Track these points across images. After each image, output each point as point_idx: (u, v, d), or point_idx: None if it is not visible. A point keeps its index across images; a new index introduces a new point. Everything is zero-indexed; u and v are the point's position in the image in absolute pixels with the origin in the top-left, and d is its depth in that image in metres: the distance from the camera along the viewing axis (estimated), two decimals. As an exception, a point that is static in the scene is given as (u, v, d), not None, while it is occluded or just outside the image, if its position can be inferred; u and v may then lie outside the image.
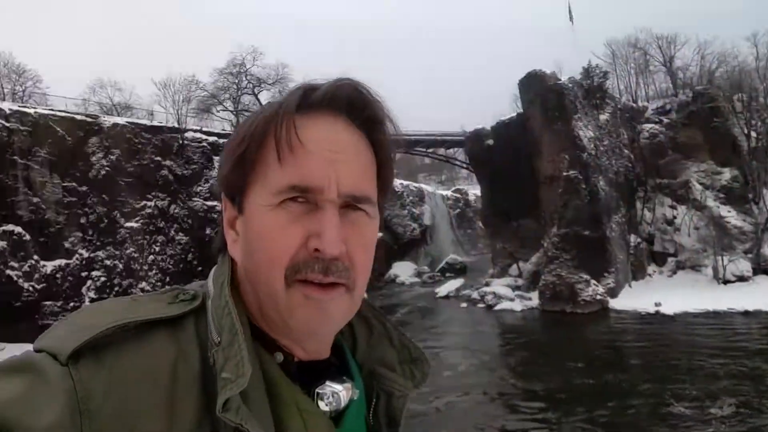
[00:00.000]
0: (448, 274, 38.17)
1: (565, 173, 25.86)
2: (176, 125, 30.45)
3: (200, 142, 30.01)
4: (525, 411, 13.26)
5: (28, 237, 21.34)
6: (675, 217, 28.19)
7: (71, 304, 21.58)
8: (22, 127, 22.16)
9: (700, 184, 28.03)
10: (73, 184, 23.63)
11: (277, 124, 0.62)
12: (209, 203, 28.41)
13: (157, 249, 26.69)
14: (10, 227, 20.88)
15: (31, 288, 21.03)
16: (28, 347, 0.57)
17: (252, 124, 0.65)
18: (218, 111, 36.72)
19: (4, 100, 25.64)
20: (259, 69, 36.58)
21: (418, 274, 39.86)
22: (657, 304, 22.85)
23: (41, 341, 0.56)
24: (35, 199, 22.07)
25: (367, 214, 0.65)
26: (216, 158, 27.34)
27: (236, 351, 0.57)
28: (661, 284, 25.90)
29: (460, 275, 36.79)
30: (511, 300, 26.31)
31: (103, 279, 23.81)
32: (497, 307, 25.92)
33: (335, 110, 0.64)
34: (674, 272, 27.00)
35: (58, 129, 23.54)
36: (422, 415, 12.40)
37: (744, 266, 24.71)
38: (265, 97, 35.67)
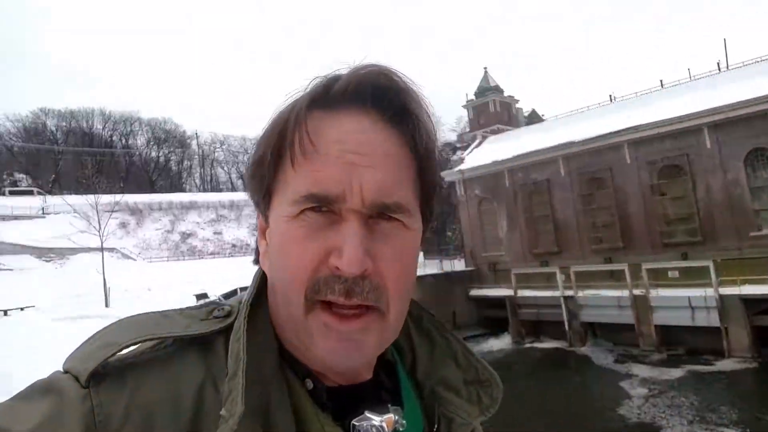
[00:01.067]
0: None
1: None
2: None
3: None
4: None
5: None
6: None
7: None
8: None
9: None
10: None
11: (290, 123, 0.56)
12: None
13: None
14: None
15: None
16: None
17: (270, 124, 0.59)
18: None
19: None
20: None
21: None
22: None
23: (68, 361, 0.54)
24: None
25: (404, 225, 0.57)
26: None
27: (236, 384, 0.52)
28: None
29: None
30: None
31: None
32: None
33: (360, 103, 0.56)
34: None
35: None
36: None
37: None
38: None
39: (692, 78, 35.48)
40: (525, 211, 36.74)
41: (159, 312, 0.59)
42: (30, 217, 50.61)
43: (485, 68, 57.22)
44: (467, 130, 60.29)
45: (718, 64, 37.89)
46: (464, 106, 57.64)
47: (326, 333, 0.54)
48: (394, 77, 0.56)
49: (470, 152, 44.67)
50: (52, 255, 43.72)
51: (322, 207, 0.54)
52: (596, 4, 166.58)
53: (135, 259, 48.49)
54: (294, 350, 0.59)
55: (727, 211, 27.98)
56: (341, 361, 0.55)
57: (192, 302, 35.68)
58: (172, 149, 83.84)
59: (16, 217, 49.67)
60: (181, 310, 0.61)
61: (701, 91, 30.71)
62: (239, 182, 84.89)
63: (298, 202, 0.55)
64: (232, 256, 53.59)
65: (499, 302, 35.02)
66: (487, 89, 55.51)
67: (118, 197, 43.24)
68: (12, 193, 58.30)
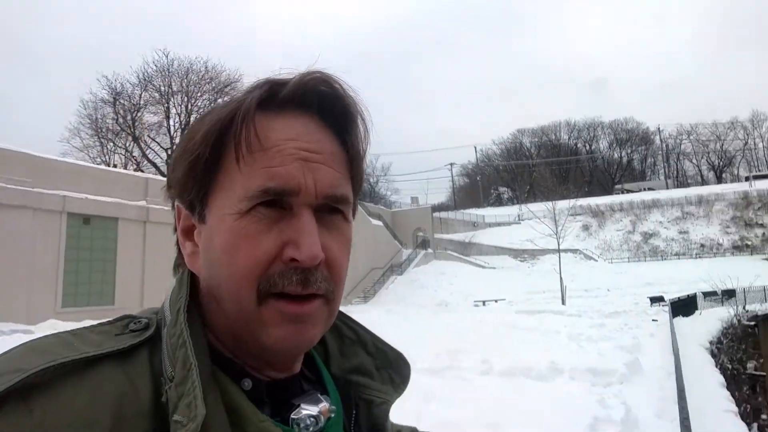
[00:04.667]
0: None
1: None
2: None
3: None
4: None
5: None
6: None
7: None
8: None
9: None
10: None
11: (238, 122, 0.56)
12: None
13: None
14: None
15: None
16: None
17: (209, 121, 0.58)
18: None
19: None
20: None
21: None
22: None
23: None
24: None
25: (344, 216, 0.61)
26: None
27: (190, 389, 0.50)
28: None
29: None
30: None
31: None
32: None
33: (306, 108, 0.60)
34: None
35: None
36: None
37: None
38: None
39: None
40: None
41: (67, 332, 0.56)
42: (508, 224, 60.48)
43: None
44: None
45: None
46: None
47: (281, 320, 0.56)
48: (335, 84, 0.60)
49: None
50: (525, 255, 50.36)
51: (276, 202, 0.56)
52: None
53: (596, 260, 49.80)
54: (230, 350, 0.60)
55: None
56: (293, 344, 0.57)
57: (646, 304, 34.19)
58: (634, 147, 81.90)
59: (498, 224, 60.65)
60: (92, 326, 0.58)
61: None
62: (710, 175, 74.61)
63: (251, 197, 0.56)
64: (699, 257, 47.77)
65: None
66: None
67: (574, 201, 45.76)
68: (494, 203, 70.90)
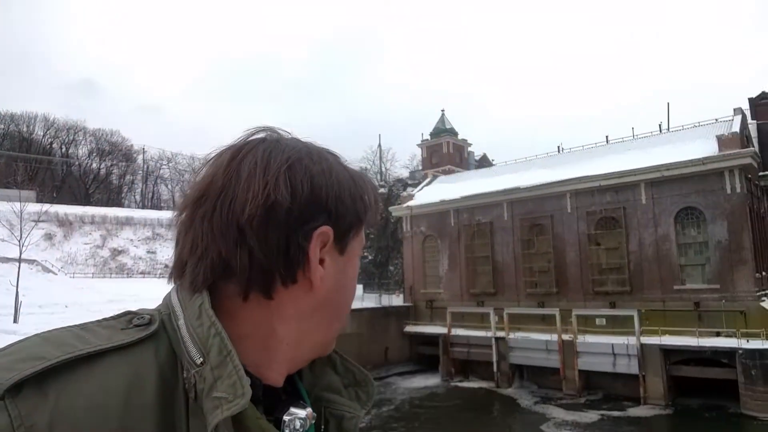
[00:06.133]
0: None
1: None
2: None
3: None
4: None
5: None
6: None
7: None
8: None
9: None
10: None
11: (369, 210, 0.73)
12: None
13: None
14: None
15: None
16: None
17: (364, 183, 0.73)
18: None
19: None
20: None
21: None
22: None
23: None
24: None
25: None
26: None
27: (231, 371, 0.57)
28: None
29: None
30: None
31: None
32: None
33: None
34: None
35: None
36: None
37: None
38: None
39: (635, 136, 37.26)
40: (467, 250, 37.12)
41: (77, 325, 0.60)
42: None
43: (442, 110, 58.76)
44: (419, 168, 61.13)
45: (659, 125, 40.12)
46: (418, 145, 58.57)
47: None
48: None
49: (420, 189, 45.18)
50: (-37, 262, 40.57)
51: None
52: (553, 62, 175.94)
53: (56, 273, 45.56)
54: (239, 353, 0.62)
55: (655, 263, 29.13)
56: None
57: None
58: (115, 162, 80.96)
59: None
60: (98, 321, 0.62)
61: (642, 149, 32.39)
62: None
63: (362, 246, 0.75)
64: (163, 276, 51.31)
65: (432, 339, 34.87)
66: (442, 131, 56.76)
67: (47, 206, 40.83)
68: None
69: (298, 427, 0.66)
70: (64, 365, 0.53)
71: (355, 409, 0.77)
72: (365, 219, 0.72)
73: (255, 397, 0.61)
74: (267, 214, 0.62)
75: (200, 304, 0.62)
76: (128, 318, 0.63)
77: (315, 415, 0.70)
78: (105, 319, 0.63)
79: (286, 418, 0.66)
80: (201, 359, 0.58)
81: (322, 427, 0.75)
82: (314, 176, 0.65)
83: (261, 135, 0.69)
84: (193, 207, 0.65)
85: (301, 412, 0.67)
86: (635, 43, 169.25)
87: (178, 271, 0.67)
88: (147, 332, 0.61)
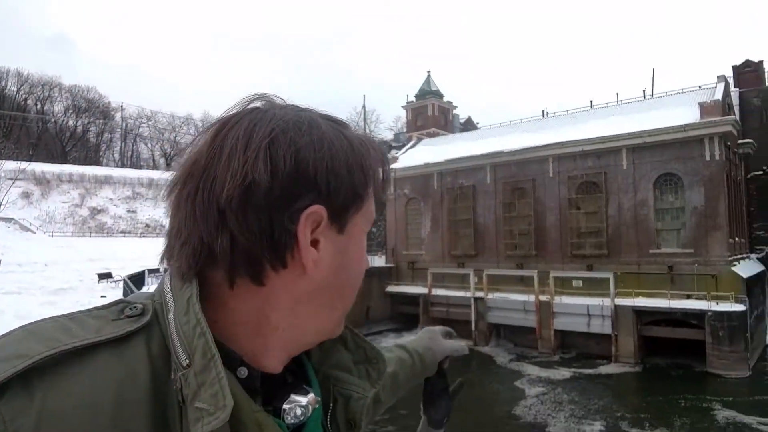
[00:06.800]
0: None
1: None
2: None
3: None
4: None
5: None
6: None
7: None
8: None
9: None
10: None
11: (378, 177, 0.67)
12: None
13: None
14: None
15: None
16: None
17: (367, 152, 0.65)
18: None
19: None
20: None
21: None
22: None
23: None
24: None
25: None
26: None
27: (214, 379, 0.53)
28: None
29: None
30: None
31: None
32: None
33: None
34: None
35: None
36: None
37: None
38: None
39: (619, 102, 37.27)
40: (449, 213, 37.33)
41: (65, 315, 0.56)
42: None
43: (428, 72, 57.89)
44: (404, 130, 60.71)
45: (644, 91, 40.19)
46: (404, 107, 57.97)
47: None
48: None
49: (404, 152, 44.95)
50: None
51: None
52: (539, 26, 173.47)
53: (34, 232, 44.95)
54: (234, 342, 0.60)
55: (633, 228, 29.62)
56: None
57: (94, 281, 33.41)
58: (92, 119, 78.80)
59: None
60: (89, 311, 0.59)
61: (626, 115, 32.44)
62: (161, 160, 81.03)
63: (371, 222, 0.68)
64: (144, 236, 50.99)
65: (413, 299, 35.43)
66: (427, 92, 56.13)
67: (24, 164, 39.85)
68: None
69: (299, 414, 0.63)
70: (50, 362, 0.49)
71: (364, 388, 0.75)
72: (366, 192, 0.65)
73: (253, 388, 0.59)
74: (245, 194, 0.56)
75: (188, 297, 0.58)
76: (120, 307, 0.59)
77: (319, 400, 0.67)
78: (96, 308, 0.60)
79: (286, 406, 0.63)
80: (187, 361, 0.54)
81: (331, 405, 0.72)
82: (300, 149, 0.58)
83: (256, 104, 0.63)
84: (180, 187, 0.60)
85: (303, 399, 0.64)
86: (635, 42, 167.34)
87: (168, 253, 0.63)
88: (139, 324, 0.57)
